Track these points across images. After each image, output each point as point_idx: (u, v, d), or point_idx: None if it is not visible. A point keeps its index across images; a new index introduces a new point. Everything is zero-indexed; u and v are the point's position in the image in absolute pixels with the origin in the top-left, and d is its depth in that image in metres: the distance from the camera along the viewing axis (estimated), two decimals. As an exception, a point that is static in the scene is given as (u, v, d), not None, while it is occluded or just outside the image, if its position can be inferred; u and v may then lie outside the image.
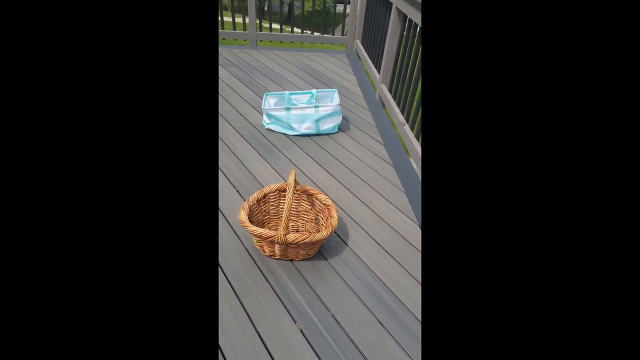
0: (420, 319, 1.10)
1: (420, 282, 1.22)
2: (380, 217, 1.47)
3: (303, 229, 1.42)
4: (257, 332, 1.03)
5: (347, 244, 1.34)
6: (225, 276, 1.18)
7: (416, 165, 1.79)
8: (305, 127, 1.96)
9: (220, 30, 3.27)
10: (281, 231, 1.12)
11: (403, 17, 2.04)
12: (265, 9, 2.81)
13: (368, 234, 1.39)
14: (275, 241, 1.15)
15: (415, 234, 1.41)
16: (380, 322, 1.08)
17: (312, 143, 1.93)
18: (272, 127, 2.00)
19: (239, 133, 1.96)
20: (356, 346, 1.01)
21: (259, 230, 1.14)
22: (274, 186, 1.35)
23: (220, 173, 1.65)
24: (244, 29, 3.25)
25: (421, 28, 1.75)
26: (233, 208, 1.45)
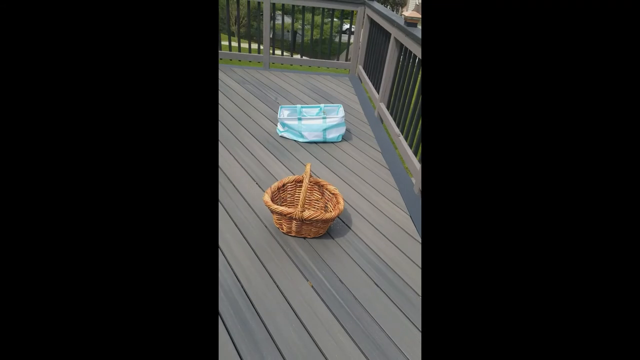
0: (407, 282, 1.36)
1: (408, 256, 1.49)
2: (378, 208, 1.75)
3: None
4: (277, 286, 1.28)
5: (350, 228, 1.61)
6: (250, 246, 1.44)
7: (409, 168, 2.09)
8: (313, 135, 2.26)
9: (236, 52, 3.63)
10: (299, 209, 1.40)
11: (400, 45, 2.39)
12: (270, 36, 3.15)
13: (367, 221, 1.66)
14: (293, 217, 1.42)
15: (405, 221, 1.68)
16: (376, 284, 1.34)
17: (320, 149, 2.23)
18: (285, 134, 2.30)
19: (256, 138, 2.25)
20: (356, 299, 1.27)
21: (280, 208, 1.42)
22: (291, 177, 1.64)
23: (241, 168, 1.93)
24: (258, 53, 3.62)
25: (415, 56, 2.09)
26: (252, 195, 1.73)
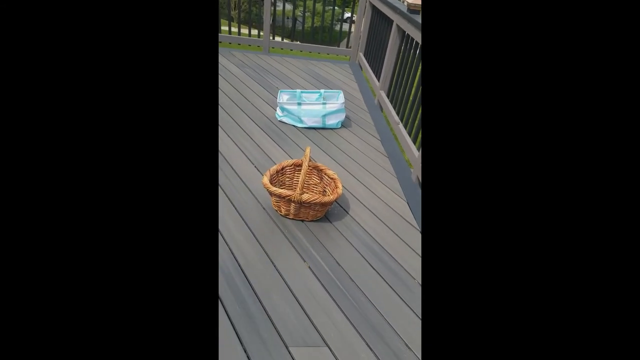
0: (403, 266, 1.38)
1: (405, 241, 1.50)
2: (375, 194, 1.76)
3: (311, 199, 1.71)
4: (275, 267, 1.30)
5: (348, 212, 1.62)
6: (248, 227, 1.45)
7: (407, 156, 2.10)
8: (313, 121, 2.26)
9: (236, 36, 3.59)
10: (297, 191, 1.41)
11: (402, 33, 2.37)
12: (270, 22, 3.11)
13: (365, 206, 1.68)
14: (292, 200, 1.42)
15: (402, 207, 1.70)
16: (372, 267, 1.36)
17: (319, 135, 2.23)
18: (284, 119, 2.29)
19: (255, 122, 2.25)
20: (353, 280, 1.29)
21: (279, 190, 1.42)
22: (290, 161, 1.64)
23: (239, 152, 1.93)
24: (258, 37, 3.58)
25: (417, 43, 2.08)
26: (251, 178, 1.73)
